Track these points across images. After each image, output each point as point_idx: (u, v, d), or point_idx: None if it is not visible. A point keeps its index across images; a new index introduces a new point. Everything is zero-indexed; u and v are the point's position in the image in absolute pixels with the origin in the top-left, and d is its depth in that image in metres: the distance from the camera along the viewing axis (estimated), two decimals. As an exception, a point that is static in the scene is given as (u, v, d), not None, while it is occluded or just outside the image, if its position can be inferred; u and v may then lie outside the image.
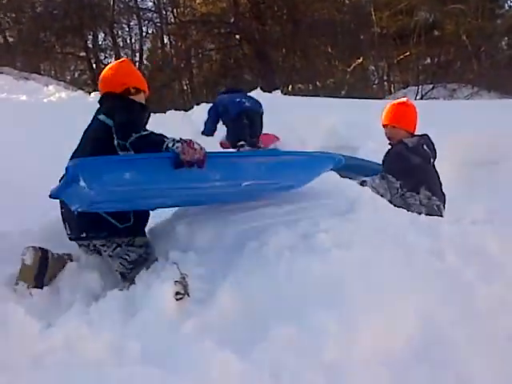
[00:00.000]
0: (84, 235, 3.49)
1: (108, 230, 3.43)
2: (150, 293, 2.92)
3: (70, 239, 3.63)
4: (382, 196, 4.20)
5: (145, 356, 2.39)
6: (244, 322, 2.70)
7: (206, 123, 7.32)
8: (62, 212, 3.58)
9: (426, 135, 4.63)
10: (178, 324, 2.72)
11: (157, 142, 3.07)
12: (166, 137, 3.09)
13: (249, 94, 7.72)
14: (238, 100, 6.83)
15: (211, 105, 7.46)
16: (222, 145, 7.13)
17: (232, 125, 6.67)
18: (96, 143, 3.48)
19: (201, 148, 3.00)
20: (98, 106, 3.71)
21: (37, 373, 2.20)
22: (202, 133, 7.30)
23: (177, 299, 2.89)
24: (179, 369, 2.28)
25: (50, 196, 3.30)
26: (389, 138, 4.68)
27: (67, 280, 3.61)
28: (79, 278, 3.60)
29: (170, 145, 2.98)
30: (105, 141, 3.32)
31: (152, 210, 3.76)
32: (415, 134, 4.63)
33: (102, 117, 3.52)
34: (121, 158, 3.23)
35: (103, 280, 3.56)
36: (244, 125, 6.58)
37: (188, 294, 2.93)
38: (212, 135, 7.24)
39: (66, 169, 2.98)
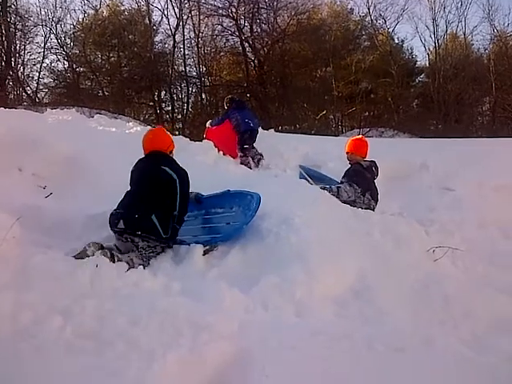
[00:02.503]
0: (139, 232, 2.94)
1: (156, 235, 2.97)
2: (189, 251, 2.92)
3: (115, 231, 3.02)
4: (349, 196, 4.12)
5: (183, 291, 2.38)
6: (246, 272, 2.70)
7: (217, 120, 6.96)
8: (120, 212, 3.01)
9: (374, 161, 4.49)
10: (205, 272, 2.72)
11: None
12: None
13: (250, 112, 7.21)
14: (246, 120, 6.53)
15: (225, 112, 7.00)
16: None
17: (240, 136, 6.51)
18: None
19: None
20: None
21: (115, 300, 2.20)
22: (210, 124, 6.97)
23: (203, 255, 2.90)
24: (204, 299, 2.27)
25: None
26: (349, 160, 4.49)
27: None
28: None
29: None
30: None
31: None
32: (366, 159, 4.47)
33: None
34: None
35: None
36: (248, 136, 6.49)
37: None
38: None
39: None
